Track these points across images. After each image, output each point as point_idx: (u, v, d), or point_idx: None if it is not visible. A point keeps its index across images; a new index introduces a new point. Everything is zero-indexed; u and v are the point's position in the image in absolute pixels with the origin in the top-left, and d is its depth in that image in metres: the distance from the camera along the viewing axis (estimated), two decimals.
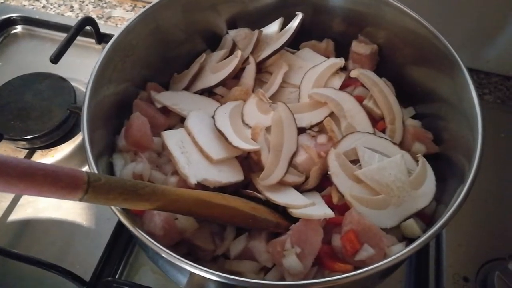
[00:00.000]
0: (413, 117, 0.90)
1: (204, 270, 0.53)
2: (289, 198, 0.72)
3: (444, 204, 0.73)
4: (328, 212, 0.69)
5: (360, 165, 0.76)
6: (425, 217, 0.75)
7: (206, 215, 0.65)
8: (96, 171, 0.63)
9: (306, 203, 0.70)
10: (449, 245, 0.94)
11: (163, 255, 0.55)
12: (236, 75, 0.90)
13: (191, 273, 0.55)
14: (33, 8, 1.39)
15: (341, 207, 0.72)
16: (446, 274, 0.90)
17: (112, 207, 0.60)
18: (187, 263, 0.54)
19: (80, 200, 0.50)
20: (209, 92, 0.90)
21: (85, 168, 0.96)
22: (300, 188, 0.77)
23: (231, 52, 0.93)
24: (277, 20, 0.94)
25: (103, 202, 0.53)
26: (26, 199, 0.97)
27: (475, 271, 0.91)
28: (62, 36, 1.21)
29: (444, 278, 0.89)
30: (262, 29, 0.93)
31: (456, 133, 0.80)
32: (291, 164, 0.76)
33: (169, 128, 0.84)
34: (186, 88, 0.90)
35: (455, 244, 0.94)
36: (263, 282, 0.58)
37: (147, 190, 0.57)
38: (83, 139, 0.66)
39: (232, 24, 0.98)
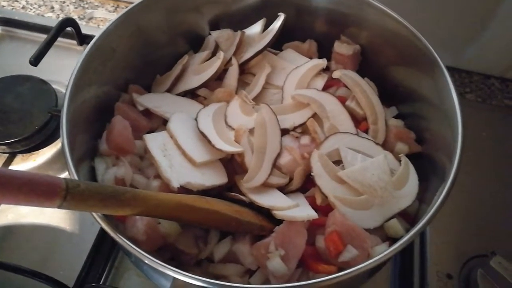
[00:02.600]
0: (396, 117, 0.90)
1: (187, 276, 0.53)
2: (273, 200, 0.72)
3: (426, 203, 0.74)
4: (312, 213, 0.69)
5: (343, 165, 0.76)
6: (408, 216, 0.75)
7: (189, 219, 0.65)
8: (76, 177, 0.62)
9: (289, 205, 0.70)
10: (432, 243, 0.95)
11: (146, 261, 0.55)
12: (219, 77, 0.90)
13: (174, 278, 0.55)
14: (12, 9, 1.37)
15: (325, 208, 0.73)
16: (430, 271, 0.91)
17: (93, 213, 0.59)
18: (170, 269, 0.53)
19: (59, 207, 0.49)
20: (192, 94, 0.90)
21: (66, 174, 0.95)
22: (284, 189, 0.77)
23: (214, 53, 0.92)
24: (259, 21, 0.94)
25: (83, 209, 0.52)
26: (7, 205, 0.95)
27: (459, 268, 0.92)
28: (42, 37, 1.18)
29: (428, 275, 0.91)
30: (244, 30, 0.93)
31: (438, 133, 0.81)
32: (274, 165, 0.76)
33: (152, 131, 0.83)
34: (169, 90, 0.90)
35: (439, 242, 0.95)
36: (247, 287, 0.57)
37: (128, 196, 0.56)
38: (62, 144, 0.65)
39: (215, 25, 0.98)
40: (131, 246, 0.56)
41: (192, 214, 0.64)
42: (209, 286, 0.54)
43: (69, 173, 0.63)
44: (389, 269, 0.91)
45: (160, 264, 0.54)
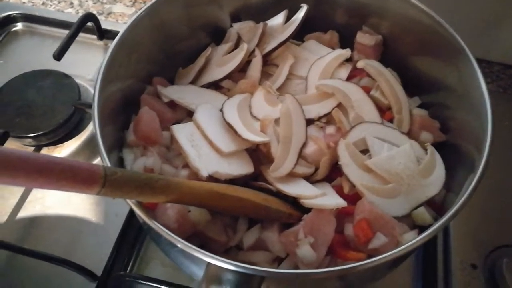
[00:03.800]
0: (419, 107, 0.90)
1: (222, 260, 0.54)
2: (300, 189, 0.72)
3: (453, 192, 0.74)
4: (340, 202, 0.69)
5: (369, 155, 0.76)
6: (435, 205, 0.75)
7: (219, 206, 0.66)
8: (109, 165, 0.63)
9: (317, 193, 0.71)
10: (456, 232, 0.94)
11: (179, 245, 0.55)
12: (242, 68, 0.90)
13: (208, 263, 0.55)
14: (33, 5, 1.39)
15: (352, 197, 0.73)
16: (454, 261, 0.91)
17: (128, 200, 0.60)
18: (205, 254, 0.54)
19: (98, 193, 0.50)
20: (215, 86, 0.90)
21: (97, 162, 0.96)
22: (310, 179, 0.77)
23: (237, 45, 0.93)
24: (281, 12, 0.94)
25: (119, 195, 0.53)
26: (34, 196, 0.97)
27: (483, 258, 0.91)
28: (62, 32, 1.20)
29: (452, 265, 0.90)
30: (266, 21, 0.93)
31: (463, 122, 0.80)
32: (300, 155, 0.76)
33: (177, 122, 0.84)
34: (192, 82, 0.90)
35: (462, 232, 0.95)
36: (282, 271, 0.58)
37: (161, 183, 0.57)
38: (96, 134, 0.66)
39: (236, 17, 0.98)
40: (165, 232, 0.57)
41: (222, 202, 0.64)
42: (245, 271, 0.54)
43: (103, 162, 0.64)
44: (412, 260, 0.91)
45: (195, 249, 0.54)
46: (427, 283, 0.88)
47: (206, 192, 0.62)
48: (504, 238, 0.93)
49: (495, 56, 1.28)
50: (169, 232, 0.57)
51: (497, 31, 1.19)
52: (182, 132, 0.75)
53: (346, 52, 0.89)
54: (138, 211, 0.59)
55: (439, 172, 0.75)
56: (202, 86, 0.89)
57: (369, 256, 0.66)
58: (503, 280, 0.85)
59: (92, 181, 0.49)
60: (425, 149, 0.78)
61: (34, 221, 0.94)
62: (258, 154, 0.79)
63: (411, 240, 0.65)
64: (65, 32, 1.11)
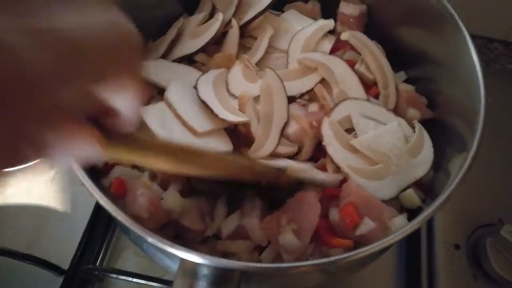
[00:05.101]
0: (405, 82, 0.85)
1: (197, 255, 0.48)
2: (287, 163, 0.67)
3: (442, 171, 0.70)
4: (333, 175, 0.66)
5: (355, 133, 0.72)
6: (423, 186, 0.72)
7: (197, 167, 0.56)
8: None
9: (305, 167, 0.66)
10: (439, 212, 0.92)
11: (149, 240, 0.50)
12: (217, 41, 0.83)
13: (182, 259, 0.50)
14: None
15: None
16: (437, 241, 0.89)
17: (90, 189, 0.53)
18: (177, 249, 0.48)
19: None
20: (188, 60, 0.83)
21: None
22: (293, 160, 0.72)
23: (211, 15, 0.85)
24: None
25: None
26: None
27: (465, 238, 0.89)
28: None
29: (435, 246, 0.88)
30: None
31: (451, 96, 0.77)
32: (282, 134, 0.71)
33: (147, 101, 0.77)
34: (163, 57, 0.82)
35: (445, 211, 0.93)
36: (262, 266, 0.53)
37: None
38: None
39: None
40: (132, 223, 0.51)
41: (199, 160, 0.56)
42: (221, 265, 0.49)
43: None
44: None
45: (167, 244, 0.49)
46: (410, 264, 0.86)
47: (180, 149, 0.53)
48: (486, 217, 0.91)
49: (477, 29, 1.24)
50: (138, 226, 0.51)
51: (479, 3, 1.15)
52: (151, 113, 0.68)
53: (329, 23, 0.83)
54: (102, 202, 0.53)
55: (427, 151, 0.72)
56: (174, 61, 0.82)
57: (356, 243, 0.63)
58: (487, 260, 0.83)
59: None
60: (413, 127, 0.74)
61: None
62: (237, 134, 0.73)
63: (400, 225, 0.62)
64: None
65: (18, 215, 0.86)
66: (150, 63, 0.80)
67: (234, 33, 0.81)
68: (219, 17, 0.80)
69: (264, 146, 0.69)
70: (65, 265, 0.78)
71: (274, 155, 0.70)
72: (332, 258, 0.51)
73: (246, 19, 0.82)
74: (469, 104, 0.68)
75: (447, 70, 0.77)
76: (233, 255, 0.64)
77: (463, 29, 0.71)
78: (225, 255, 0.65)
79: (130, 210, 0.61)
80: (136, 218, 0.59)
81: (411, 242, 0.88)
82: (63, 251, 0.81)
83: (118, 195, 0.64)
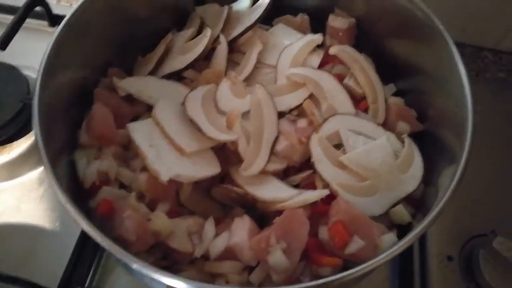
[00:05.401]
0: (395, 94, 0.85)
1: (182, 281, 0.48)
2: (274, 191, 0.67)
3: (432, 185, 0.70)
4: (322, 191, 0.65)
5: (344, 149, 0.71)
6: (414, 200, 0.71)
7: None
8: (52, 174, 0.56)
9: (293, 194, 0.65)
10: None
11: (134, 266, 0.49)
12: (206, 56, 0.83)
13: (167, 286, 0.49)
14: None
15: (326, 196, 0.67)
16: (430, 254, 0.88)
17: (72, 212, 0.52)
18: (162, 275, 0.48)
19: None
20: (177, 76, 0.83)
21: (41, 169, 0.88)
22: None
23: (200, 31, 0.85)
24: None
25: None
26: None
27: (458, 249, 0.89)
28: (8, 18, 1.09)
29: (428, 258, 0.88)
30: (232, 4, 0.86)
31: (441, 109, 0.77)
32: (272, 151, 0.70)
33: (135, 118, 0.76)
34: (152, 73, 0.82)
35: (438, 222, 0.92)
36: None
37: None
38: (35, 135, 0.58)
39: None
40: (117, 250, 0.50)
41: None
42: None
43: (45, 169, 0.56)
44: None
45: (152, 269, 0.48)
46: (403, 277, 0.85)
47: None
48: (478, 227, 0.90)
49: (468, 38, 1.25)
50: (123, 252, 0.50)
51: (469, 12, 1.15)
52: (139, 130, 0.68)
53: (318, 38, 0.83)
54: (86, 227, 0.52)
55: (417, 166, 0.71)
56: (163, 77, 0.81)
57: (346, 261, 0.63)
58: (479, 272, 0.82)
59: None
60: (402, 141, 0.74)
61: None
62: (226, 152, 0.73)
63: (390, 242, 0.62)
64: (10, 18, 1.00)
65: (5, 234, 0.84)
66: (139, 79, 0.80)
67: (222, 49, 0.80)
68: (207, 33, 0.80)
69: (255, 163, 0.69)
70: (54, 286, 0.76)
71: (263, 172, 0.69)
72: (320, 281, 0.50)
73: (234, 34, 0.82)
74: (458, 116, 0.68)
75: (436, 82, 0.77)
76: (222, 276, 0.64)
77: (450, 42, 0.72)
78: (214, 276, 0.64)
79: (117, 232, 0.60)
80: (124, 240, 0.59)
81: (404, 254, 0.87)
82: (52, 271, 0.79)
83: (106, 217, 0.63)
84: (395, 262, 0.87)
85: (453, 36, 1.21)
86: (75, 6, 0.73)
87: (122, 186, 0.70)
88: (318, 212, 0.67)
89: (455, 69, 0.70)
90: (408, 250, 0.87)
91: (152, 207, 0.66)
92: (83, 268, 0.79)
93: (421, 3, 0.76)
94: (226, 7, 0.84)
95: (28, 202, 0.88)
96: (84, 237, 0.82)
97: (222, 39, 0.81)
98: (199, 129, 0.68)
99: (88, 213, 0.63)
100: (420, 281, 0.85)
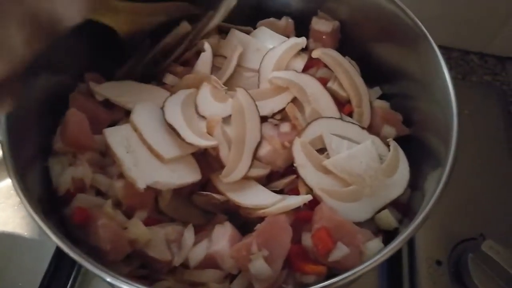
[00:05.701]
0: (380, 98, 0.84)
1: None
2: (256, 197, 0.65)
3: (419, 190, 0.69)
4: (305, 196, 0.64)
5: (327, 154, 0.70)
6: (400, 205, 0.70)
7: None
8: (18, 184, 0.53)
9: (275, 200, 0.64)
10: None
11: (108, 280, 0.47)
12: (188, 63, 0.81)
13: None
14: None
15: (310, 202, 0.66)
16: (419, 259, 0.87)
17: (43, 226, 0.50)
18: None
19: None
20: (157, 83, 0.80)
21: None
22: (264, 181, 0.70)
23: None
24: None
25: None
26: None
27: (447, 253, 0.88)
28: None
29: (417, 262, 0.86)
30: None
31: (426, 113, 0.76)
32: (255, 156, 0.69)
33: (113, 123, 0.74)
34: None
35: (426, 227, 0.91)
36: None
37: None
38: (1, 144, 0.56)
39: None
40: (88, 262, 0.48)
41: None
42: None
43: (11, 179, 0.54)
44: None
45: (124, 282, 0.46)
46: (393, 282, 0.84)
47: None
48: (467, 231, 0.89)
49: (453, 41, 1.25)
50: (94, 265, 0.48)
51: (455, 15, 1.15)
52: (116, 136, 0.66)
53: (302, 41, 0.82)
54: (56, 240, 0.50)
55: (403, 170, 0.70)
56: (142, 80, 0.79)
57: (330, 268, 0.61)
58: (469, 277, 0.81)
59: None
60: (388, 145, 0.73)
61: None
62: (207, 158, 0.71)
63: (376, 249, 0.60)
64: None
65: None
66: (118, 84, 0.78)
67: (207, 57, 0.78)
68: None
69: (237, 169, 0.67)
70: None
71: (245, 177, 0.67)
72: None
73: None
74: (443, 120, 0.67)
75: (421, 86, 0.76)
76: (202, 285, 0.61)
77: (435, 46, 0.71)
78: (194, 285, 0.62)
79: (91, 241, 0.58)
80: (99, 250, 0.57)
81: (392, 258, 0.86)
82: (30, 280, 0.77)
83: (81, 225, 0.61)
84: (384, 267, 0.86)
85: (440, 40, 1.23)
86: None
87: (99, 193, 0.67)
88: (301, 218, 0.65)
89: (440, 73, 0.69)
90: (397, 255, 0.86)
91: (129, 214, 0.64)
92: (63, 277, 0.77)
93: (406, 8, 0.75)
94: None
95: (5, 209, 0.85)
96: None
97: (207, 46, 0.79)
98: (178, 135, 0.66)
99: (65, 221, 0.61)
100: (409, 286, 0.84)
